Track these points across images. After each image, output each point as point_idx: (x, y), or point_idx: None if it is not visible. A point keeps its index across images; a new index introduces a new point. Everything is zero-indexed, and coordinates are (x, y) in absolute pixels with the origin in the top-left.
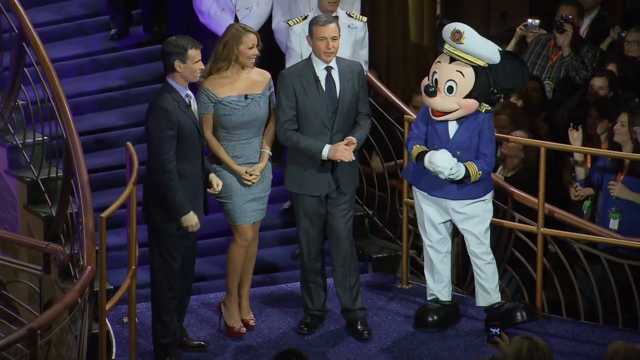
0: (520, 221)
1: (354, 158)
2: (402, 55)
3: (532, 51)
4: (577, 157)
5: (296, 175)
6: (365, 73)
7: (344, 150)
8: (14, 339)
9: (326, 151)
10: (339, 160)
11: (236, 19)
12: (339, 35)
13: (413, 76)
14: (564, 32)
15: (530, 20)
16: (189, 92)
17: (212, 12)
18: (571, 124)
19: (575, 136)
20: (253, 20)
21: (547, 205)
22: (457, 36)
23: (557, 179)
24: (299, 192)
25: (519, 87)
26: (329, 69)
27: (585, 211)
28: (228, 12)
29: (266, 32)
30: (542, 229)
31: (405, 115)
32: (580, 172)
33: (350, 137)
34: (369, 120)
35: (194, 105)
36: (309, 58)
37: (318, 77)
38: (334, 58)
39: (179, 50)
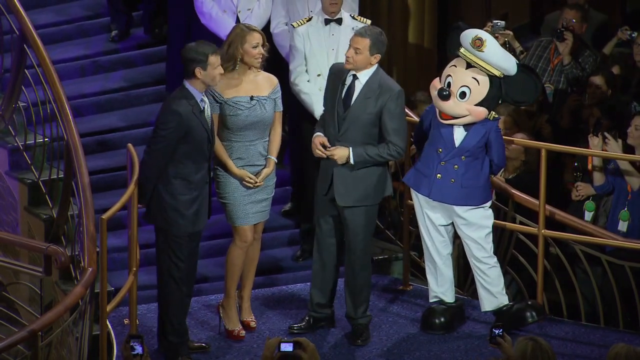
0: (521, 223)
1: (321, 155)
2: (402, 56)
3: (534, 54)
4: (596, 161)
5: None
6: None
7: (315, 146)
8: (15, 341)
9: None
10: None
11: (237, 21)
12: (353, 46)
13: (413, 78)
14: (564, 40)
15: (496, 21)
16: (205, 98)
17: (214, 13)
18: (591, 131)
19: (596, 143)
20: (254, 21)
21: (548, 207)
22: (479, 43)
23: (558, 180)
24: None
25: (529, 101)
26: (354, 78)
27: (590, 213)
28: (229, 14)
29: (266, 34)
30: (543, 231)
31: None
32: (598, 178)
33: (340, 146)
34: (390, 148)
35: (208, 111)
36: None
37: (345, 82)
38: (367, 72)
39: (200, 57)
